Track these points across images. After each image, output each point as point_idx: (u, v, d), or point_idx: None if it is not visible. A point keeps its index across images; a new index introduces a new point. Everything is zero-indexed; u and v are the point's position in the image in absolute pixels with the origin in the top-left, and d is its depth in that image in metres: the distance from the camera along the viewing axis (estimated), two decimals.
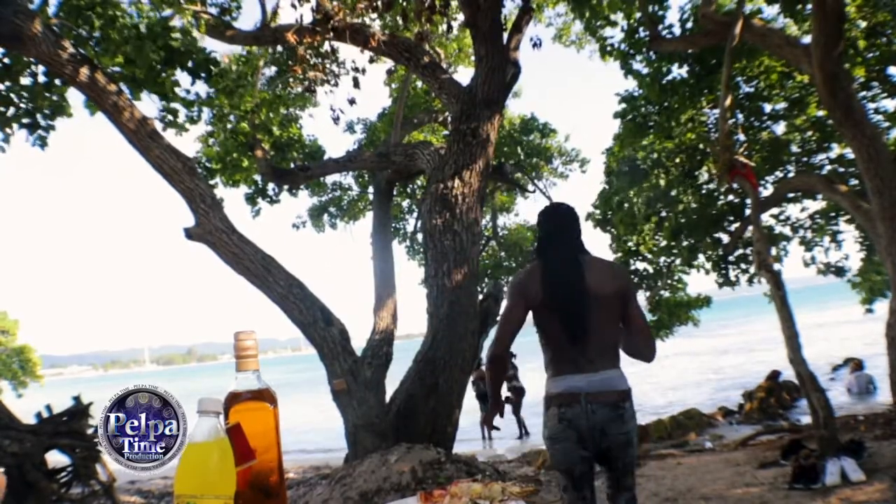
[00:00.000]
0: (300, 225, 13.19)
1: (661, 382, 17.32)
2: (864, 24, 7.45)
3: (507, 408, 13.18)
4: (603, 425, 2.44)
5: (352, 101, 8.09)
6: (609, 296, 2.51)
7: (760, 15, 8.23)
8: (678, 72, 8.59)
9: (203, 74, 6.62)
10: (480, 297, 7.47)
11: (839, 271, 10.40)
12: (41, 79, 6.40)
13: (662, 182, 9.38)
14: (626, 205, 9.87)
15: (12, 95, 6.39)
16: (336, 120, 8.30)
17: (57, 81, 6.35)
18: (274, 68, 10.57)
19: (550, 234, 2.68)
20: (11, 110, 6.41)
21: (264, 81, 10.61)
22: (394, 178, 9.76)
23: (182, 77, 6.62)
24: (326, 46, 7.91)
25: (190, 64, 6.42)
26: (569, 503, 2.54)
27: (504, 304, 2.72)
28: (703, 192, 9.77)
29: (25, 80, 6.40)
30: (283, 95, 10.48)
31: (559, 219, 2.72)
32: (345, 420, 6.31)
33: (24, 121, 6.50)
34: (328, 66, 8.28)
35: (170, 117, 6.88)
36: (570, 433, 2.46)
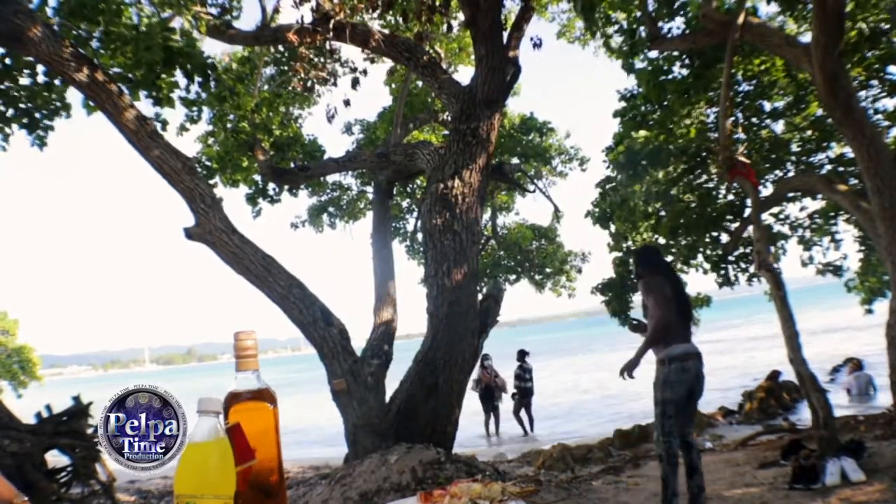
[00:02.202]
0: (299, 224, 13.18)
1: None
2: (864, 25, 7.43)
3: (511, 405, 13.20)
4: (699, 372, 4.36)
5: (346, 103, 8.07)
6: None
7: (758, 14, 8.22)
8: (678, 70, 8.59)
9: (199, 78, 6.60)
10: (480, 296, 7.46)
11: (837, 270, 10.39)
12: (41, 79, 6.39)
13: (661, 178, 9.36)
14: (624, 202, 9.85)
15: (12, 94, 6.38)
16: (330, 118, 8.28)
17: (56, 81, 6.34)
18: (274, 67, 10.56)
19: (660, 262, 4.83)
20: (11, 110, 6.40)
21: (264, 80, 10.60)
22: (394, 177, 9.75)
23: (180, 78, 6.60)
24: (327, 45, 7.90)
25: (188, 66, 6.40)
26: (668, 427, 4.32)
27: (659, 295, 4.39)
28: (703, 190, 9.76)
29: (24, 80, 6.38)
30: (283, 95, 10.47)
31: (659, 254, 5.10)
32: (345, 420, 6.31)
33: (24, 120, 6.49)
34: (328, 64, 8.27)
35: (159, 127, 6.80)
36: (687, 377, 4.28)
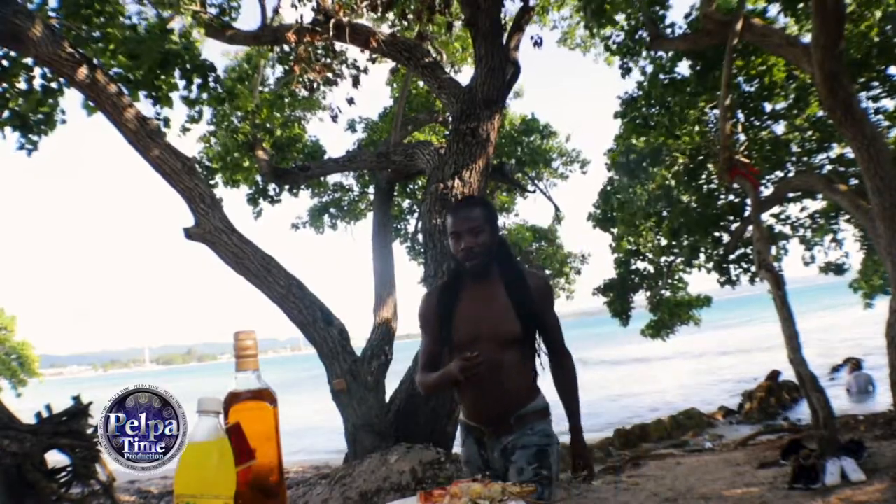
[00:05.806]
0: (300, 225, 13.17)
1: (661, 382, 17.33)
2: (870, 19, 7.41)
3: None
4: None
5: (350, 101, 8.09)
6: None
7: (760, 13, 8.23)
8: (680, 70, 8.62)
9: (199, 80, 6.58)
10: None
11: (839, 269, 10.40)
12: (37, 83, 6.35)
13: (661, 178, 9.38)
14: (626, 204, 9.86)
15: (6, 96, 6.34)
16: (335, 118, 8.29)
17: (53, 85, 6.31)
18: (280, 68, 10.56)
19: None
20: (6, 113, 6.35)
21: (269, 82, 10.61)
22: (394, 177, 9.75)
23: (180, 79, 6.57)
24: (331, 45, 7.90)
25: (186, 68, 6.39)
26: None
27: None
28: (704, 191, 9.77)
29: (21, 85, 6.35)
30: (286, 96, 10.46)
31: None
32: (344, 420, 6.31)
33: (18, 122, 6.44)
34: (333, 65, 8.27)
35: (161, 126, 6.77)
36: None
